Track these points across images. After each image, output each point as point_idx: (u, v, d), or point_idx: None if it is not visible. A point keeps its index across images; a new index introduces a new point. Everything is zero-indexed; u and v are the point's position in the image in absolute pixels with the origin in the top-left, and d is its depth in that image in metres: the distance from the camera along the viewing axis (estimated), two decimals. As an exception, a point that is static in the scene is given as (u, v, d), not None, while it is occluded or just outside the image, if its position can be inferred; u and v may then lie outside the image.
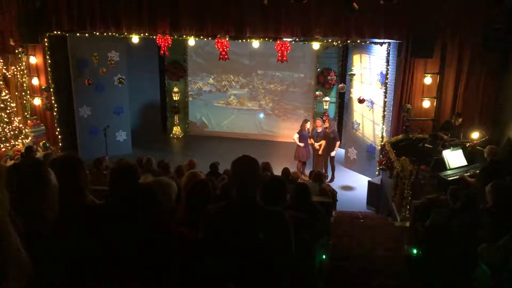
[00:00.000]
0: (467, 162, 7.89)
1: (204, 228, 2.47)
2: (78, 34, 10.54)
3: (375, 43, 9.84)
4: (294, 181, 7.48)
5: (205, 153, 12.08)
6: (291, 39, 9.72)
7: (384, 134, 10.09)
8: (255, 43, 10.20)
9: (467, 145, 8.30)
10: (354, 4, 7.80)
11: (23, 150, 9.53)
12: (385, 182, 9.41)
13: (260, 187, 2.63)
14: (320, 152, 10.65)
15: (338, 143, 10.92)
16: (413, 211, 6.59)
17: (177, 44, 11.86)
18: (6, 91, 10.31)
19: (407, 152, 8.71)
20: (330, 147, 10.73)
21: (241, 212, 2.42)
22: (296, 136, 10.79)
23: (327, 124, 10.85)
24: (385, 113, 10.03)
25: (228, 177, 5.18)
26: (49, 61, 10.74)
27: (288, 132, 13.05)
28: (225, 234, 2.38)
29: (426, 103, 9.66)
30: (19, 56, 10.69)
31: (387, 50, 9.76)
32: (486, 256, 3.80)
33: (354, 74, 10.98)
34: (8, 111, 10.16)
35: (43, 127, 11.17)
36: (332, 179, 10.86)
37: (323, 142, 10.62)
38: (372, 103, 10.56)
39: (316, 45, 10.08)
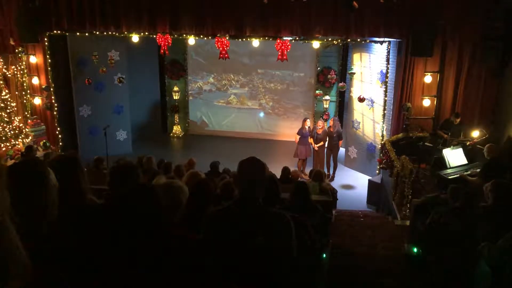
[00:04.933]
0: (468, 160, 7.89)
1: (206, 229, 2.46)
2: (78, 34, 10.55)
3: (375, 41, 9.83)
4: (293, 180, 7.48)
5: (205, 152, 12.07)
6: (291, 38, 9.72)
7: (385, 133, 10.09)
8: (255, 42, 10.20)
9: (467, 143, 8.30)
10: (354, 2, 7.79)
11: (23, 150, 9.54)
12: (385, 181, 9.42)
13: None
14: (316, 149, 10.70)
15: (340, 141, 10.98)
16: (413, 210, 6.59)
17: (177, 43, 11.86)
18: (6, 91, 10.31)
19: (407, 151, 8.71)
20: (333, 146, 10.75)
21: (244, 214, 2.42)
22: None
23: (331, 123, 10.83)
24: (385, 112, 10.03)
25: (234, 177, 5.17)
26: (49, 60, 10.74)
27: (288, 131, 13.06)
28: (227, 235, 2.37)
29: (426, 102, 9.66)
30: (19, 55, 10.69)
31: (387, 49, 9.75)
32: (487, 255, 3.80)
33: (354, 73, 10.97)
34: (8, 111, 10.16)
35: (43, 127, 11.17)
36: (332, 178, 10.88)
37: (322, 143, 10.67)
38: (372, 102, 10.55)
39: (316, 44, 10.07)
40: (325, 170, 10.63)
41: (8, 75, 10.67)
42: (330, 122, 10.91)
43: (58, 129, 11.23)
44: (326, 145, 10.83)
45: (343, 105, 13.10)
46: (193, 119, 14.61)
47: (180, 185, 2.96)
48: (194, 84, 14.30)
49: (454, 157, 7.91)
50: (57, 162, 2.53)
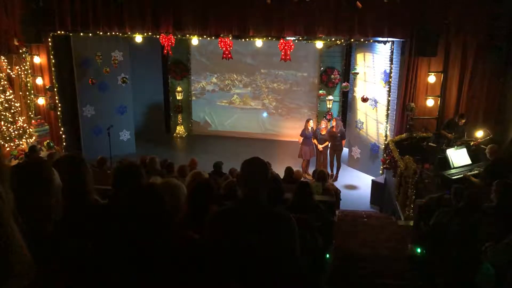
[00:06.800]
0: (471, 160, 7.87)
1: (209, 229, 2.46)
2: (81, 34, 10.58)
3: (379, 41, 9.81)
4: (296, 180, 7.47)
5: (208, 153, 12.09)
6: (294, 38, 9.71)
7: (388, 133, 10.06)
8: (258, 42, 10.19)
9: (471, 143, 8.27)
10: (358, 2, 7.78)
11: (27, 150, 9.56)
12: (389, 181, 9.40)
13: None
14: (321, 149, 10.69)
15: (344, 141, 10.98)
16: (417, 210, 6.58)
17: (180, 43, 11.89)
18: (10, 91, 10.34)
19: (411, 151, 8.70)
20: (336, 146, 10.74)
21: (247, 214, 2.42)
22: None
23: (334, 123, 10.83)
24: (388, 112, 10.00)
25: (237, 178, 5.17)
26: (53, 60, 10.78)
27: (291, 131, 13.05)
28: (230, 235, 2.37)
29: (430, 102, 9.63)
30: (23, 56, 10.72)
31: (390, 49, 9.73)
32: (491, 255, 3.78)
33: (357, 73, 10.96)
34: (12, 111, 10.19)
35: (47, 127, 11.21)
36: (335, 178, 10.86)
37: (326, 143, 10.66)
38: (375, 102, 10.53)
39: (319, 44, 10.06)
40: (329, 170, 10.63)
41: (12, 76, 10.70)
42: (333, 122, 10.90)
43: (62, 129, 11.27)
44: (329, 145, 10.83)
45: (346, 105, 13.08)
46: (196, 119, 14.62)
47: (177, 183, 2.96)
48: (197, 84, 14.31)
49: (458, 157, 7.88)
50: (62, 162, 2.53)
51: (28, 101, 11.07)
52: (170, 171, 7.85)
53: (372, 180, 10.07)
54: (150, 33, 10.17)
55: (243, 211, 2.44)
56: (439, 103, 9.67)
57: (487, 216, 4.41)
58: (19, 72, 10.83)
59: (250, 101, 14.18)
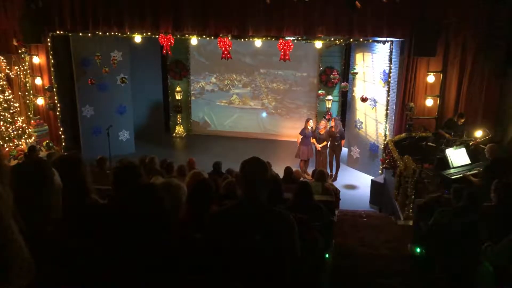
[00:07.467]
0: (471, 160, 7.87)
1: (209, 228, 2.46)
2: (80, 34, 10.57)
3: (378, 41, 9.81)
4: (296, 180, 7.48)
5: (207, 153, 12.08)
6: (293, 38, 9.71)
7: (387, 132, 10.07)
8: (258, 42, 10.19)
9: (471, 143, 8.27)
10: (357, 2, 7.78)
11: (26, 150, 9.55)
12: (388, 181, 9.40)
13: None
14: (319, 149, 10.69)
15: (343, 141, 10.98)
16: (416, 210, 6.58)
17: (179, 43, 11.89)
18: (10, 91, 10.33)
19: (410, 150, 8.69)
20: (336, 146, 10.75)
21: (247, 213, 2.42)
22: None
23: (333, 124, 10.83)
24: (388, 111, 10.00)
25: (236, 178, 5.17)
26: (52, 61, 10.78)
27: (291, 131, 13.05)
28: (230, 235, 2.37)
29: (429, 102, 9.64)
30: (22, 56, 10.72)
31: (389, 49, 9.73)
32: (490, 255, 3.79)
33: (357, 73, 10.96)
34: (11, 111, 10.18)
35: (46, 127, 11.20)
36: (335, 178, 10.86)
37: (325, 143, 10.67)
38: (375, 101, 10.53)
39: (318, 44, 10.05)
40: (328, 170, 10.62)
41: (11, 76, 10.70)
42: (332, 122, 10.90)
43: (61, 129, 11.27)
44: (328, 145, 10.82)
45: (345, 105, 13.08)
46: (196, 119, 14.61)
47: (178, 183, 2.96)
48: (197, 84, 14.30)
49: (457, 157, 7.88)
50: (62, 162, 2.53)
51: (27, 101, 11.06)
52: (169, 171, 7.85)
53: (372, 180, 10.08)
54: (149, 33, 10.17)
55: (243, 211, 2.44)
56: (438, 102, 9.68)
57: (487, 216, 4.41)
58: (18, 72, 10.82)
59: (249, 101, 14.17)
